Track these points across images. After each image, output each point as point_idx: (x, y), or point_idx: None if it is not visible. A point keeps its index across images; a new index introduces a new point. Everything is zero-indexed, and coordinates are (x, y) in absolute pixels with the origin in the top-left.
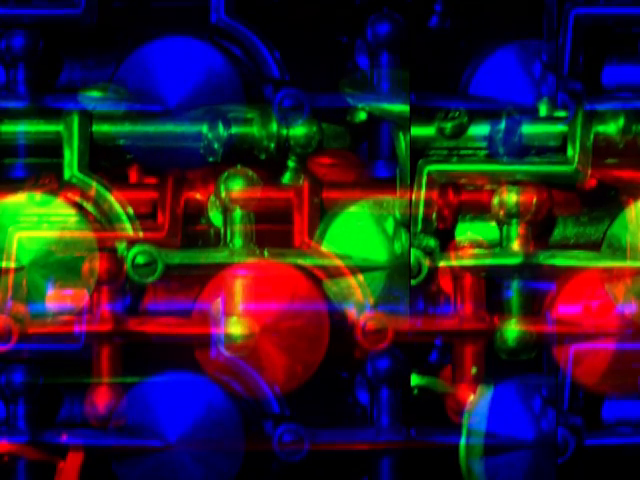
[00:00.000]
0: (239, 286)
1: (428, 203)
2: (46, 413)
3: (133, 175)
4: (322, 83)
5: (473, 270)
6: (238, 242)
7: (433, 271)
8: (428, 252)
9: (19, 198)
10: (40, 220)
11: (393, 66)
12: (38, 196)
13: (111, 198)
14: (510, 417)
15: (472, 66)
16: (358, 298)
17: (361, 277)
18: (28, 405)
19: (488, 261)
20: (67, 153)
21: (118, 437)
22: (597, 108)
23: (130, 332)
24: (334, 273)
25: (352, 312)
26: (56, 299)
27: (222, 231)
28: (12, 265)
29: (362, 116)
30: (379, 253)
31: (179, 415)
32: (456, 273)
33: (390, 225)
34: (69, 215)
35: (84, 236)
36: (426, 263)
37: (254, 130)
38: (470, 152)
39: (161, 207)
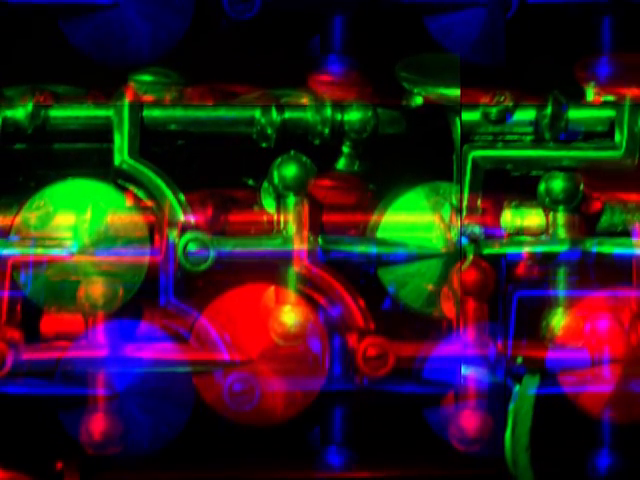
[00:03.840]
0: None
1: (473, 189)
2: None
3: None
4: None
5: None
6: (291, 229)
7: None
8: (473, 239)
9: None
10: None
11: None
12: (34, 218)
13: (162, 184)
14: None
15: None
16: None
17: (417, 265)
18: None
19: (534, 248)
20: (117, 138)
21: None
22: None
23: (126, 358)
24: (389, 261)
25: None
26: (51, 324)
27: (275, 218)
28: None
29: (418, 100)
30: (435, 240)
31: None
32: (459, 298)
33: (447, 212)
34: (65, 238)
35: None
36: (471, 251)
37: (308, 115)
38: (516, 137)
39: (158, 231)
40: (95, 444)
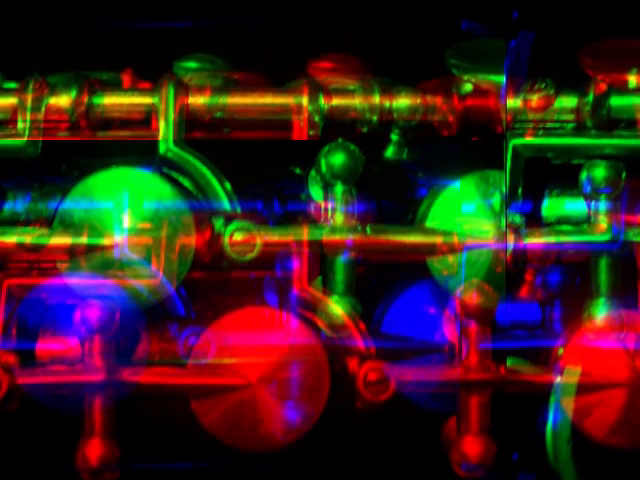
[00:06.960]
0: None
1: (514, 178)
2: None
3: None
4: None
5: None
6: (339, 218)
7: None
8: (514, 229)
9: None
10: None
11: None
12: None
13: (208, 172)
14: None
15: None
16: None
17: (466, 254)
18: None
19: (575, 238)
20: (162, 126)
21: None
22: None
23: (124, 382)
24: (438, 250)
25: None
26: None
27: (322, 207)
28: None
29: (467, 87)
30: (484, 229)
31: None
32: (461, 321)
33: (497, 200)
34: (60, 261)
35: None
36: (510, 240)
37: (356, 102)
38: (557, 125)
39: (155, 253)
40: (91, 470)
